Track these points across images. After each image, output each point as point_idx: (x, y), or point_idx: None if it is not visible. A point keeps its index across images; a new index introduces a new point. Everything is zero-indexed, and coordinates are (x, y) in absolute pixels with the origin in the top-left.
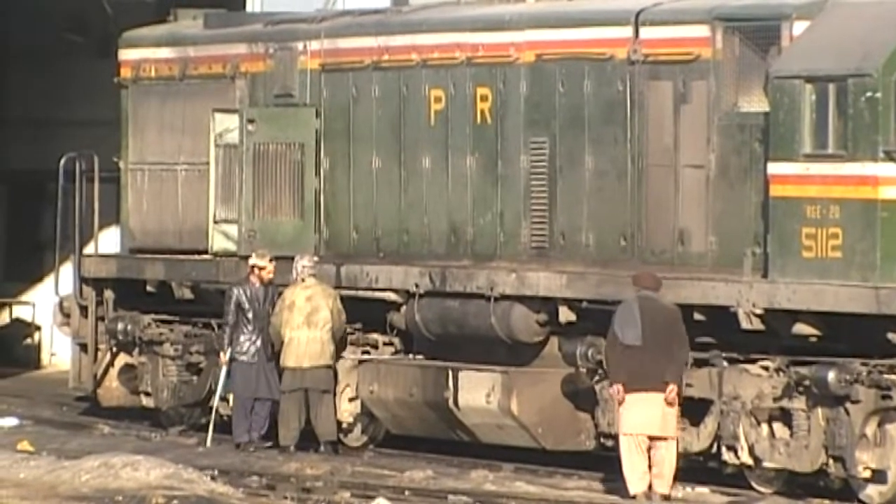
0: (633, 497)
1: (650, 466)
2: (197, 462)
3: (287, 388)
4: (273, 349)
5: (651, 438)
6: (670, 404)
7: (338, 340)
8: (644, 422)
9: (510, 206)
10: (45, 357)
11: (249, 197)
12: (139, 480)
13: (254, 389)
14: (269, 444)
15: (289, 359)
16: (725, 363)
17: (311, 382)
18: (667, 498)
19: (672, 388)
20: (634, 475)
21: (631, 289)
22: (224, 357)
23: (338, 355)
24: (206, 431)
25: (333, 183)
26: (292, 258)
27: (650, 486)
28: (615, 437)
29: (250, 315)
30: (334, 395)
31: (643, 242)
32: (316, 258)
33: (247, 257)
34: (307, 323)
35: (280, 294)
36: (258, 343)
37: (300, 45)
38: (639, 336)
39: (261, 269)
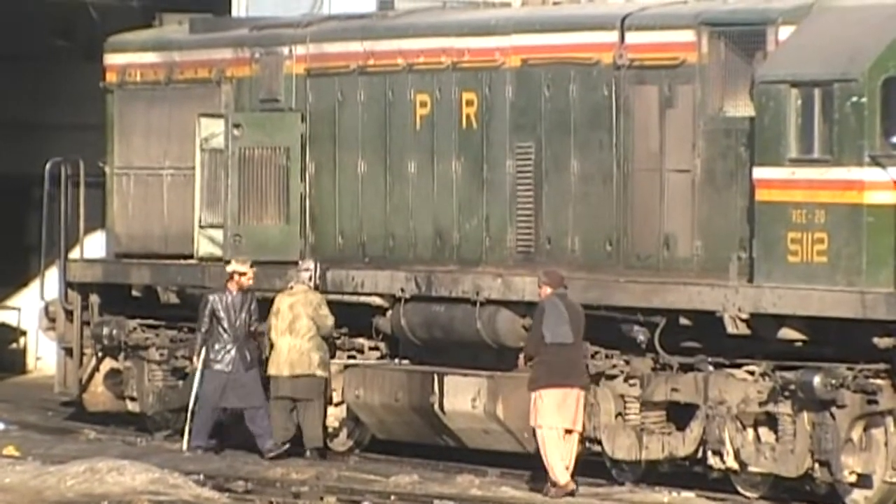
0: (564, 486)
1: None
2: (183, 467)
3: (272, 395)
4: (257, 357)
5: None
6: (579, 398)
7: (325, 348)
8: (569, 416)
9: (496, 211)
10: (30, 362)
11: (235, 202)
12: (125, 485)
13: (218, 399)
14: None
15: (271, 366)
16: (711, 368)
17: (292, 391)
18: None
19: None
20: (562, 465)
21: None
22: (195, 363)
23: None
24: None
25: (319, 187)
26: (278, 263)
27: (574, 490)
28: (597, 441)
29: (225, 324)
30: (325, 402)
31: (629, 247)
32: (310, 264)
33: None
34: (289, 330)
35: (271, 301)
36: (233, 352)
37: (286, 50)
38: (569, 333)
39: (241, 274)
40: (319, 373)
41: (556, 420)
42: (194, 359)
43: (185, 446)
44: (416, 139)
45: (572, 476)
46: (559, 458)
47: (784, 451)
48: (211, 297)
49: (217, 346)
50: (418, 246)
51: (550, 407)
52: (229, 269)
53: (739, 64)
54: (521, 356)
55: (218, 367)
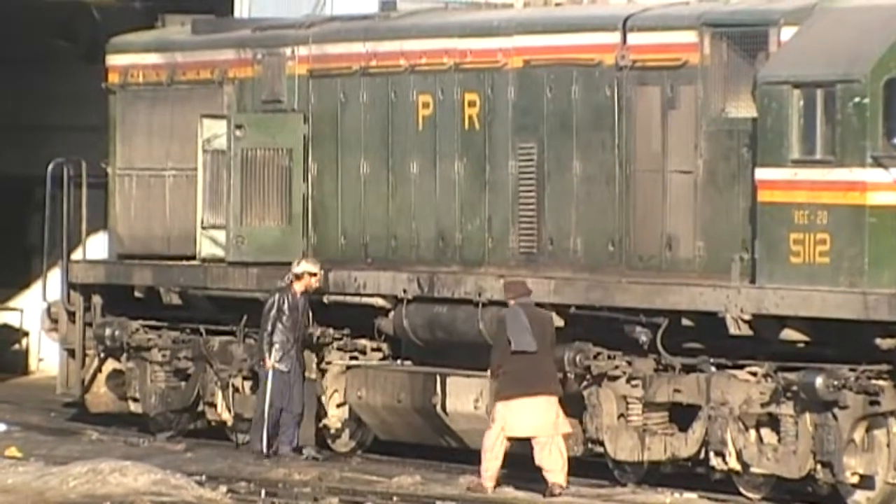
0: (484, 483)
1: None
2: (185, 468)
3: None
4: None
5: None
6: (550, 404)
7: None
8: (536, 425)
9: (498, 212)
10: (32, 363)
11: (237, 202)
12: (127, 486)
13: (286, 399)
14: (297, 455)
15: None
16: (713, 369)
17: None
18: (564, 488)
19: (560, 391)
20: (494, 471)
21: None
22: (268, 364)
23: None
24: (195, 437)
25: (321, 188)
26: (280, 264)
27: (548, 483)
28: (600, 442)
29: (288, 324)
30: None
31: (631, 248)
32: (303, 262)
33: (237, 263)
34: None
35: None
36: (292, 353)
37: (288, 51)
38: (532, 342)
39: (311, 275)
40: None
41: (522, 429)
42: (267, 361)
43: (262, 449)
44: (419, 140)
45: (567, 478)
46: (493, 465)
47: (786, 452)
48: (276, 297)
49: (278, 347)
50: (420, 247)
51: (516, 415)
52: (299, 269)
53: (742, 65)
54: (490, 369)
55: (279, 367)
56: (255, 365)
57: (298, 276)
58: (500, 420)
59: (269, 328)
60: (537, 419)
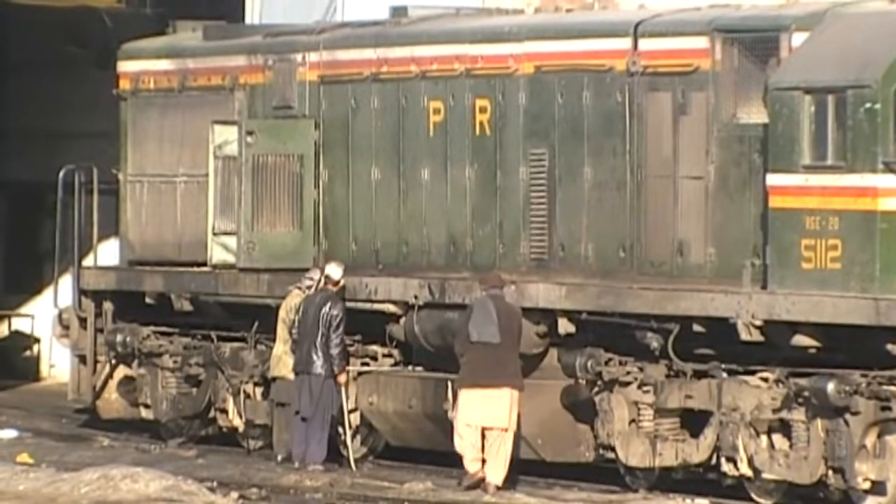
0: (473, 475)
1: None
2: (196, 474)
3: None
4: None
5: (485, 429)
6: (511, 397)
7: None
8: (493, 414)
9: (509, 218)
10: (44, 369)
11: (248, 209)
12: (138, 492)
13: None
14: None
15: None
16: (725, 374)
17: (274, 394)
18: (499, 488)
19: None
20: (472, 456)
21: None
22: (343, 374)
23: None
24: (206, 443)
25: (332, 195)
26: (292, 270)
27: (483, 478)
28: (611, 448)
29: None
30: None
31: (642, 254)
32: (316, 274)
33: (248, 269)
34: (282, 335)
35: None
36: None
37: (299, 57)
38: (497, 334)
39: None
40: (291, 376)
41: (476, 418)
42: (344, 369)
43: (352, 466)
44: (430, 146)
45: (506, 478)
46: (470, 452)
47: (798, 457)
48: (342, 304)
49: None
50: (432, 253)
51: (472, 405)
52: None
53: (753, 70)
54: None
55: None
56: (325, 374)
57: (335, 281)
58: (460, 408)
59: (343, 335)
60: (493, 410)
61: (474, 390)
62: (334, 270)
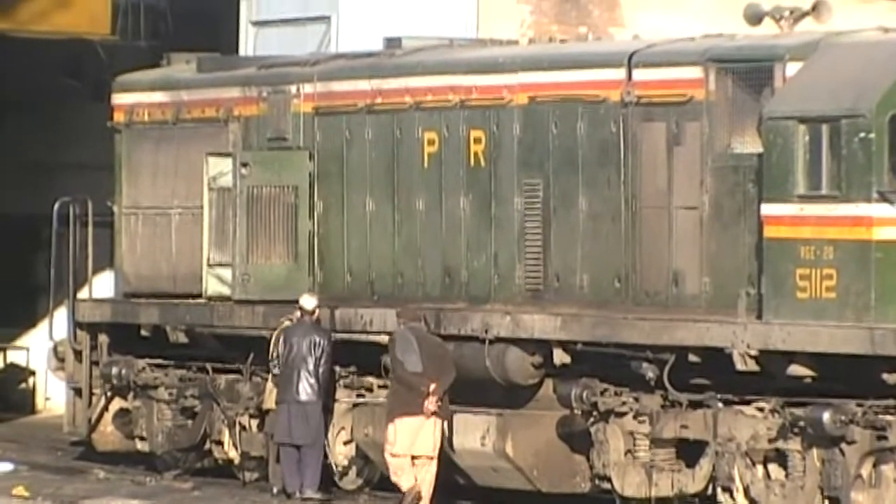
0: (411, 488)
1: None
2: None
3: None
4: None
5: (415, 458)
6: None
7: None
8: (416, 443)
9: (504, 249)
10: (39, 402)
11: (243, 240)
12: None
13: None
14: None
15: None
16: (720, 404)
17: (267, 425)
18: None
19: (435, 402)
20: (409, 482)
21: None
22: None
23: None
24: (202, 476)
25: (327, 226)
26: (286, 302)
27: (420, 490)
28: (607, 479)
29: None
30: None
31: (637, 284)
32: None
33: (243, 301)
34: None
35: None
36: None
37: (293, 89)
38: (418, 363)
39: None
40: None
41: (406, 447)
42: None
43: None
44: (424, 177)
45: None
46: (406, 481)
47: (794, 487)
48: (329, 337)
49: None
50: (427, 284)
51: (403, 435)
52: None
53: (747, 100)
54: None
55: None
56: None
57: (309, 311)
58: (390, 438)
59: (330, 363)
60: (418, 438)
61: (402, 419)
62: (307, 301)
